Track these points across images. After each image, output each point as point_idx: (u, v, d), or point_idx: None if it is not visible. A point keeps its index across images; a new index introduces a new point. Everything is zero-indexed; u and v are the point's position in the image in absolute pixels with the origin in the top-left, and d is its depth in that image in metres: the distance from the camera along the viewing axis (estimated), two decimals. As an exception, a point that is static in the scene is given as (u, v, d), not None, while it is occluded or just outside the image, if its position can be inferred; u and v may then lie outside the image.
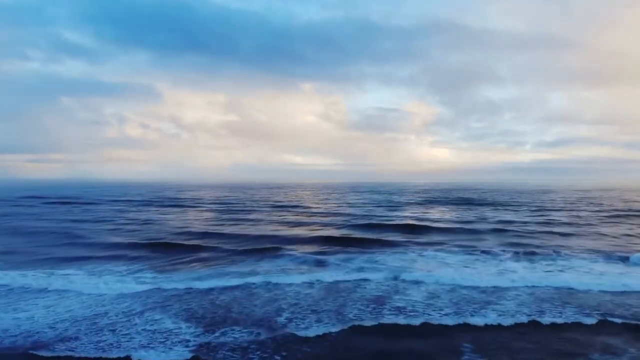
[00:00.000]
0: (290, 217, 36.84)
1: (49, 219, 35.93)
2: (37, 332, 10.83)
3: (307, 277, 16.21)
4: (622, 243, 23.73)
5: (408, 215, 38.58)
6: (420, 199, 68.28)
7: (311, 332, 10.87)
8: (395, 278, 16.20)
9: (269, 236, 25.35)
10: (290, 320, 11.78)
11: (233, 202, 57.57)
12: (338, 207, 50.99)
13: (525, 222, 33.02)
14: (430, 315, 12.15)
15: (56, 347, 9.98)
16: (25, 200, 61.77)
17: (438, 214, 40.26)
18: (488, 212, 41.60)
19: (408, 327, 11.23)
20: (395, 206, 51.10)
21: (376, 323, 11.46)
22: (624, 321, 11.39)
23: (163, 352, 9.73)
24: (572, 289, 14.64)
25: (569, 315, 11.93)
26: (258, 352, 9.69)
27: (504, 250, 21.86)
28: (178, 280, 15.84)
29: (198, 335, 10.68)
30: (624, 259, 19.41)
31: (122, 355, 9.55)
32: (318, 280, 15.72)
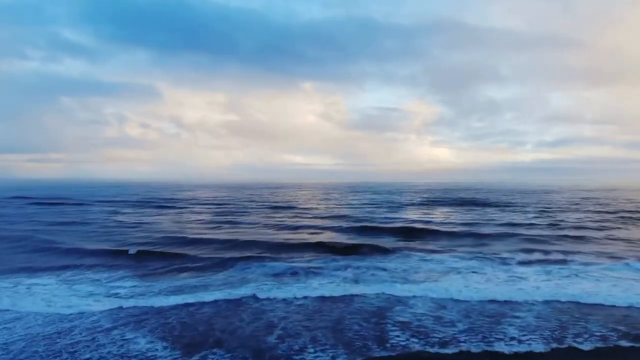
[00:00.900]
0: (286, 220, 35.19)
1: (30, 221, 34.37)
2: (-17, 357, 9.37)
3: (299, 288, 14.70)
4: (638, 248, 22.26)
5: (409, 218, 37.08)
6: (421, 199, 66.78)
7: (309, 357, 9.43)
8: (394, 290, 14.71)
9: (261, 242, 23.49)
10: (281, 339, 10.33)
11: (229, 203, 56.06)
12: (336, 208, 49.49)
13: (532, 224, 31.51)
14: (443, 334, 10.64)
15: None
16: (15, 201, 60.30)
17: (441, 216, 38.77)
18: (492, 214, 40.12)
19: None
20: (396, 207, 49.60)
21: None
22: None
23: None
24: (599, 304, 13.05)
25: (609, 338, 10.33)
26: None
27: (512, 257, 20.36)
28: (157, 291, 14.37)
29: (176, 359, 9.24)
30: (645, 266, 17.93)
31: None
32: (309, 294, 14.21)
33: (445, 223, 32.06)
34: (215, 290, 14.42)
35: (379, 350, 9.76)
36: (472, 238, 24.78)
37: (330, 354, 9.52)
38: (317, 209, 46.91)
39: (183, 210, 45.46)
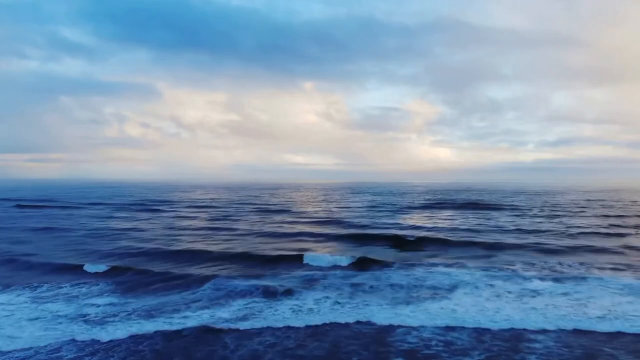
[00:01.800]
0: (279, 227, 33.17)
1: (2, 228, 32.42)
2: None
3: (288, 311, 13.07)
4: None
5: (411, 224, 35.34)
6: (423, 201, 65.17)
7: None
8: (395, 311, 13.13)
9: (247, 255, 21.26)
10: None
11: (223, 207, 54.42)
12: (334, 212, 47.85)
13: (541, 231, 29.93)
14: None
15: None
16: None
17: (444, 221, 37.11)
18: (498, 218, 38.50)
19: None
20: (396, 211, 47.98)
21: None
22: None
23: None
24: (620, 332, 11.46)
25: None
26: None
27: (524, 270, 18.76)
28: (130, 311, 12.87)
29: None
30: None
31: None
32: (300, 316, 12.62)
33: (450, 229, 30.30)
34: (189, 313, 12.81)
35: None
36: (480, 248, 23.11)
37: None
38: (313, 212, 45.19)
39: (174, 214, 43.72)
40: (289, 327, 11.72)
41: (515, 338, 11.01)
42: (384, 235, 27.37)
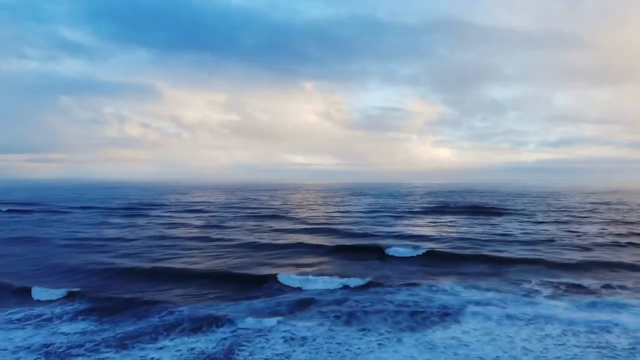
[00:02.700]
0: (268, 235, 31.07)
1: None
2: None
3: (268, 350, 11.19)
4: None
5: (412, 232, 33.55)
6: (425, 205, 63.36)
7: None
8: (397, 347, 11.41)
9: (227, 275, 19.03)
10: None
11: (216, 211, 52.60)
12: (331, 216, 46.04)
13: (552, 241, 28.21)
14: None
15: None
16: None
17: (448, 229, 35.28)
18: (504, 225, 36.71)
19: None
20: (397, 217, 46.17)
21: None
22: None
23: None
24: None
25: None
26: None
27: (537, 290, 17.11)
28: (99, 341, 11.16)
29: None
30: None
31: None
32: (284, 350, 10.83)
33: (454, 239, 28.17)
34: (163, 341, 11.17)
35: None
36: (488, 262, 21.12)
37: None
38: (309, 218, 43.19)
39: (164, 220, 41.68)
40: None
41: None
42: (384, 247, 25.44)
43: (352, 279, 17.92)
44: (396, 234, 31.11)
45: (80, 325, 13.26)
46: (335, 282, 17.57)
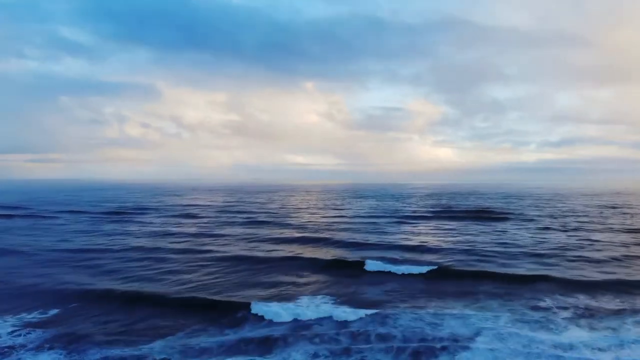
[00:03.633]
0: (262, 245, 29.02)
1: None
2: None
3: None
4: None
5: (416, 244, 31.42)
6: (426, 209, 61.30)
7: None
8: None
9: (201, 303, 16.37)
10: None
11: (209, 216, 50.64)
12: (327, 222, 43.99)
13: (564, 249, 26.29)
14: None
15: None
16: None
17: (454, 239, 33.11)
18: (512, 232, 34.67)
19: None
20: (397, 222, 44.14)
21: None
22: None
23: None
24: None
25: None
26: None
27: (554, 311, 15.30)
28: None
29: None
30: None
31: None
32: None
33: (461, 252, 25.84)
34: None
35: None
36: (499, 281, 18.85)
37: None
38: (305, 225, 40.93)
39: (153, 227, 39.46)
40: None
41: None
42: (383, 262, 23.36)
43: (342, 308, 15.65)
44: (396, 244, 28.93)
45: (45, 356, 12.01)
46: (322, 311, 15.25)
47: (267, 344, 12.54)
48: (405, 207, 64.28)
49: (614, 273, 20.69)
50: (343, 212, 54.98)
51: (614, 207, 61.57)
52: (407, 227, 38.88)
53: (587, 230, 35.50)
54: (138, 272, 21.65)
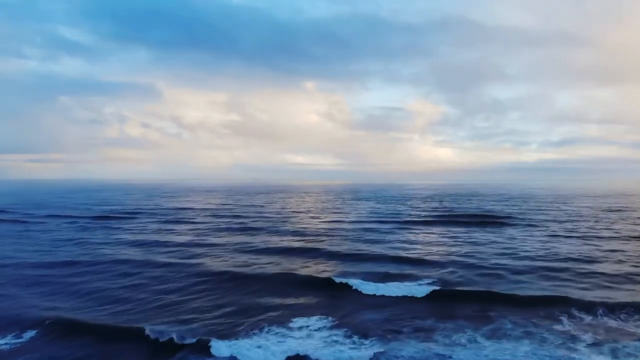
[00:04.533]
0: (250, 259, 26.96)
1: None
2: None
3: None
4: None
5: (418, 256, 29.48)
6: (429, 212, 59.42)
7: None
8: None
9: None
10: None
11: (201, 222, 48.77)
12: (325, 228, 42.08)
13: (576, 260, 24.45)
14: None
15: None
16: None
17: (460, 249, 31.03)
18: (518, 237, 32.80)
19: None
20: (397, 228, 42.28)
21: None
22: None
23: None
24: None
25: None
26: None
27: (577, 336, 13.52)
28: None
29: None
30: None
31: None
32: None
33: (465, 266, 23.83)
34: None
35: None
36: (512, 303, 16.83)
37: None
38: (300, 231, 38.93)
39: (138, 236, 37.29)
40: None
41: None
42: (381, 278, 21.42)
43: (338, 346, 13.48)
44: (397, 256, 26.93)
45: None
46: (315, 351, 12.99)
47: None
48: (405, 210, 62.39)
49: (633, 290, 18.89)
50: (341, 217, 53.10)
51: (619, 211, 59.75)
52: (408, 235, 36.94)
53: (596, 238, 33.65)
54: (113, 294, 19.38)
